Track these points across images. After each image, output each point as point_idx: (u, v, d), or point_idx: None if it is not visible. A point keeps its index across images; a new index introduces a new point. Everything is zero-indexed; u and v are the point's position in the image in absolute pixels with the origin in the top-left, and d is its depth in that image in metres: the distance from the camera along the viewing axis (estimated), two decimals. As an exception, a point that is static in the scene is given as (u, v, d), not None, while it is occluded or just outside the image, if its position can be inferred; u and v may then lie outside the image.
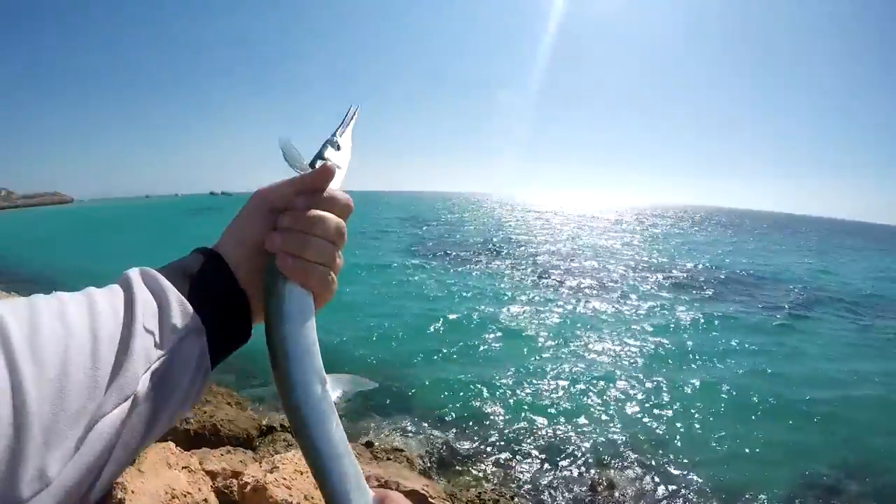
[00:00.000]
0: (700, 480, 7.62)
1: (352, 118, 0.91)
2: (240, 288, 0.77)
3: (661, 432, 9.08)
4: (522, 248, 35.07)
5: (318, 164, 0.80)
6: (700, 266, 30.72)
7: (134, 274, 0.70)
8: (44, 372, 0.54)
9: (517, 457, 7.96)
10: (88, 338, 0.60)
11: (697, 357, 13.25)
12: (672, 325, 16.36)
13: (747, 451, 8.60)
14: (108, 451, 0.59)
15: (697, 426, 9.42)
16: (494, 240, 38.75)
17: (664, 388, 10.92)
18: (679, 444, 8.72)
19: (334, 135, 0.87)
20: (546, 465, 7.77)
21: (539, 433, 8.72)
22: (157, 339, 0.65)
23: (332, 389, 0.75)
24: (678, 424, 9.39)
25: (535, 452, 8.11)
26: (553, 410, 9.66)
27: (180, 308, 0.68)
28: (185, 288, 0.71)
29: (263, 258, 0.76)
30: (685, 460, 8.15)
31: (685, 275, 26.71)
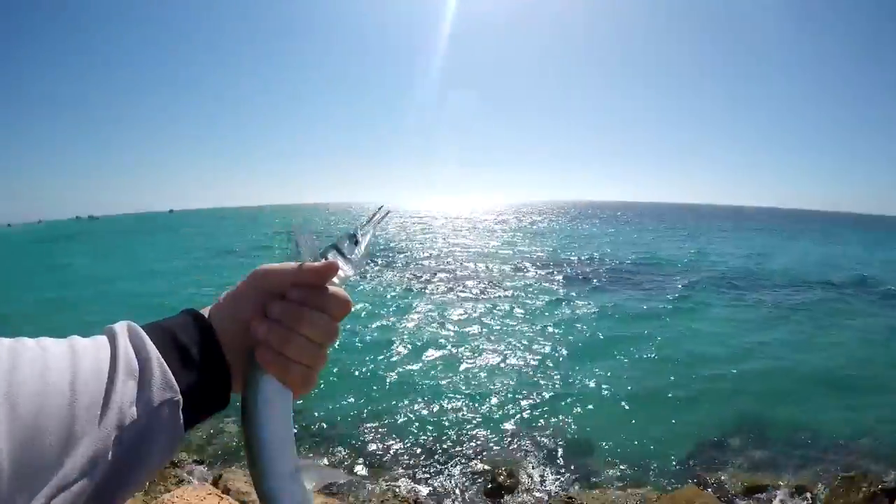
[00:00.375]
0: (604, 461, 7.99)
1: (380, 220, 0.91)
2: (224, 361, 0.76)
3: (563, 422, 9.26)
4: (405, 254, 34.76)
5: (329, 255, 0.81)
6: (586, 258, 31.85)
7: (121, 330, 0.71)
8: (18, 425, 0.55)
9: (420, 462, 7.94)
10: (67, 394, 0.60)
11: (594, 347, 13.59)
12: (566, 319, 16.66)
13: (649, 429, 8.99)
14: None
15: (601, 412, 9.68)
16: (377, 249, 38.27)
17: (563, 381, 11.10)
18: (582, 430, 8.98)
19: (356, 229, 0.87)
20: (450, 467, 7.85)
21: (441, 436, 8.72)
22: (135, 404, 0.65)
23: (306, 479, 0.76)
24: (580, 413, 9.63)
25: (438, 456, 8.18)
26: (452, 414, 9.59)
27: (161, 375, 0.68)
28: (169, 353, 0.71)
29: (250, 337, 0.75)
30: (589, 444, 8.50)
31: (573, 269, 27.50)
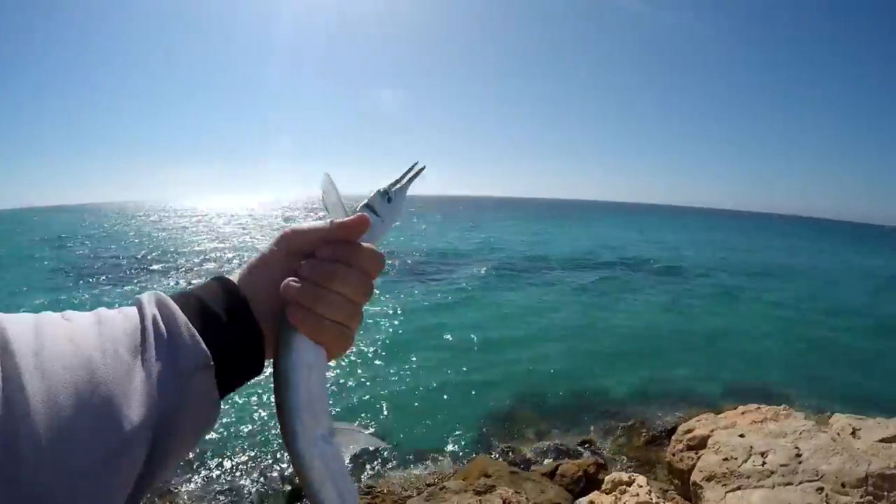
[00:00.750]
0: (404, 447, 8.22)
1: (414, 176, 0.88)
2: (256, 326, 0.74)
3: (363, 418, 9.36)
4: (184, 258, 31.66)
5: (356, 212, 0.79)
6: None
7: (148, 300, 0.69)
8: (50, 400, 0.54)
9: (213, 477, 7.61)
10: (98, 367, 0.59)
11: (392, 342, 13.67)
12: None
13: (448, 413, 9.41)
14: (107, 488, 0.57)
15: (400, 404, 9.86)
16: (151, 254, 34.25)
17: (361, 378, 11.09)
18: (382, 422, 9.17)
19: (389, 187, 0.85)
20: (242, 479, 7.62)
21: (227, 452, 8.32)
22: (167, 373, 0.64)
23: (344, 442, 0.76)
24: (380, 406, 9.75)
25: (226, 462, 7.96)
26: (235, 428, 9.03)
27: (192, 342, 0.67)
28: (199, 320, 0.69)
29: (282, 300, 0.73)
30: (389, 434, 8.68)
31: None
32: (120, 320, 0.65)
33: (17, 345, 0.55)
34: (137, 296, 0.70)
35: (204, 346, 0.67)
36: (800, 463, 5.12)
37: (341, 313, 0.74)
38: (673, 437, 6.41)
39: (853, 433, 6.02)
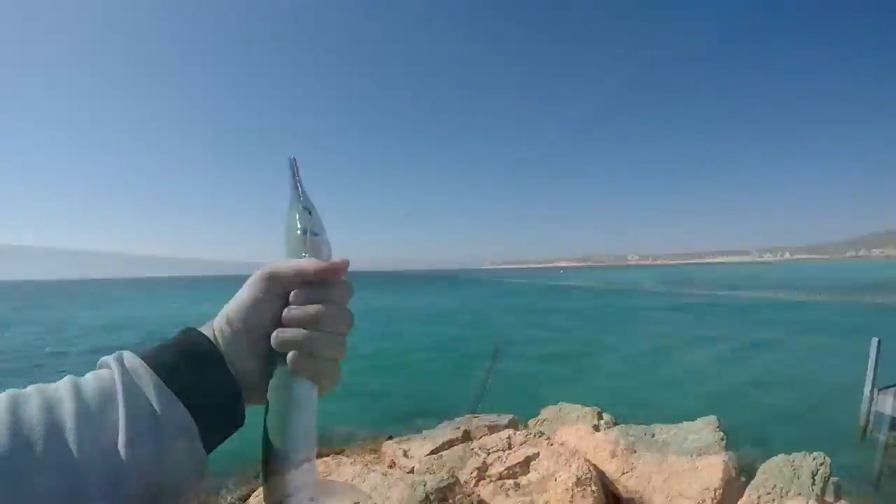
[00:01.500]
0: None
1: (298, 175, 0.82)
2: (232, 379, 0.74)
3: None
4: None
5: (308, 240, 0.78)
6: None
7: (116, 362, 0.68)
8: (24, 478, 0.58)
9: None
10: (73, 440, 0.62)
11: None
12: None
13: None
14: None
15: None
16: None
17: None
18: None
19: (297, 197, 0.81)
20: None
21: None
22: (145, 440, 0.63)
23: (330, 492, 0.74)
24: None
25: None
26: None
27: (169, 405, 0.66)
28: (173, 378, 0.69)
29: (264, 342, 0.73)
30: None
31: None
32: (91, 390, 0.64)
33: None
34: (104, 358, 0.68)
35: (182, 406, 0.66)
36: (363, 507, 5.07)
37: (336, 350, 0.74)
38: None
39: (405, 454, 6.23)
